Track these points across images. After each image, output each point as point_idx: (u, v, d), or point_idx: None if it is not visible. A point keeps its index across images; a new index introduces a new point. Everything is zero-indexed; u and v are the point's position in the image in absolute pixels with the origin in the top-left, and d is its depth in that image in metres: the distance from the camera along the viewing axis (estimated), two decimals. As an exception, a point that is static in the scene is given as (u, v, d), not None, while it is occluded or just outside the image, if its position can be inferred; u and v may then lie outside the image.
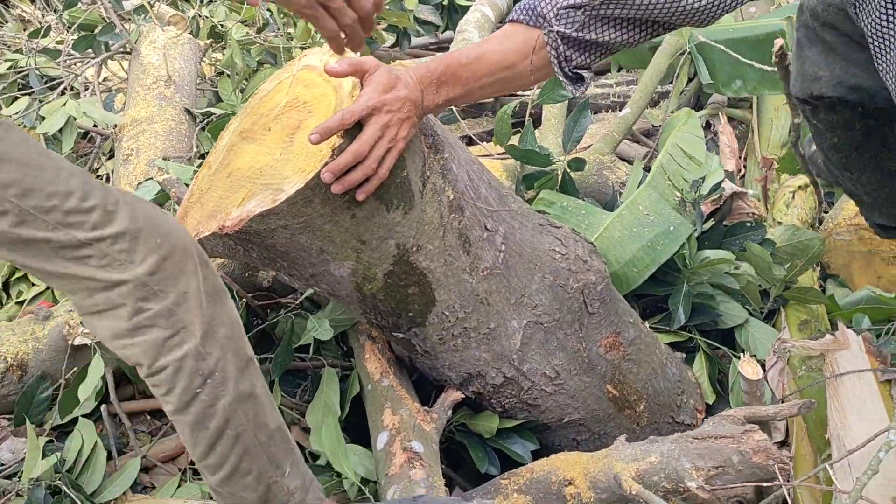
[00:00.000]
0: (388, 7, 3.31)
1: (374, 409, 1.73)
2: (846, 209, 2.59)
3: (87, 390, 1.80)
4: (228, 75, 2.81)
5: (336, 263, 1.51)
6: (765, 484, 1.27)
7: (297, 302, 1.94)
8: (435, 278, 1.57)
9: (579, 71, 1.47)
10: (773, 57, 1.92)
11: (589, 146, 2.78)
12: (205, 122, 2.60)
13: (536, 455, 1.77)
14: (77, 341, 1.85)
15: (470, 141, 2.85)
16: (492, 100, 3.33)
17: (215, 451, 1.33)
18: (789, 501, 1.21)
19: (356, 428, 1.90)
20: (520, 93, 3.10)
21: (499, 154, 2.51)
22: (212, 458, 1.33)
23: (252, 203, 1.42)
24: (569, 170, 2.25)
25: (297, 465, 1.43)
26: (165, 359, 1.25)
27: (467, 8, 3.45)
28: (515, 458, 1.78)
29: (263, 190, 1.43)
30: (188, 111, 2.59)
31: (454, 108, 2.80)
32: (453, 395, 1.73)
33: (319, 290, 1.63)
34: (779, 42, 1.92)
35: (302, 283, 1.67)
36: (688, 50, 2.97)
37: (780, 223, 2.55)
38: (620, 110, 3.06)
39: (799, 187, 2.72)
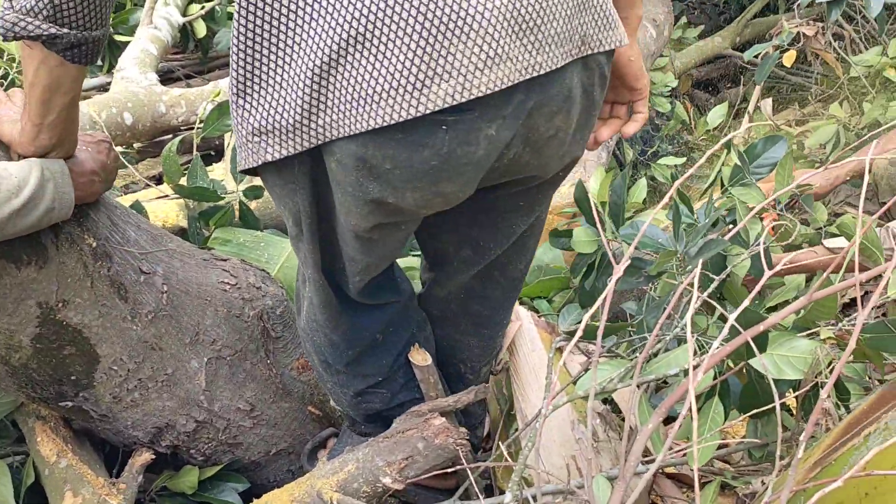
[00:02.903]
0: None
1: (54, 495, 1.55)
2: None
3: None
4: None
5: (-31, 339, 1.34)
6: (449, 469, 1.31)
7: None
8: (92, 333, 1.44)
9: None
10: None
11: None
12: None
13: (255, 497, 1.70)
14: None
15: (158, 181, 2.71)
16: (171, 136, 3.20)
17: None
18: (471, 478, 1.25)
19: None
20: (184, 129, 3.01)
21: (175, 195, 2.39)
22: None
23: None
24: (245, 200, 2.19)
25: None
26: None
27: (127, 44, 3.28)
28: (227, 505, 1.69)
29: None
30: None
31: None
32: (142, 458, 1.60)
33: (-41, 373, 1.43)
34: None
35: (-64, 370, 1.46)
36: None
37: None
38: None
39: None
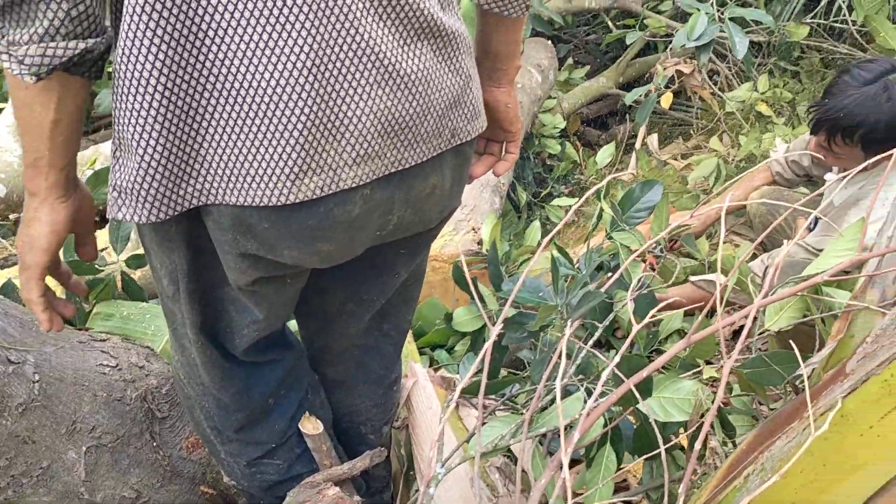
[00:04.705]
0: None
1: None
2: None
3: None
4: None
5: None
6: (344, 543, 1.27)
7: None
8: (-44, 433, 1.35)
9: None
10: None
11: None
12: None
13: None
14: None
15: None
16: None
17: None
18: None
19: None
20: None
21: (54, 268, 2.29)
22: None
23: None
24: (128, 270, 2.11)
25: None
26: None
27: (0, 110, 3.15)
28: None
29: None
30: None
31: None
32: (18, 558, 1.50)
33: None
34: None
35: None
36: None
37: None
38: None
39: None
